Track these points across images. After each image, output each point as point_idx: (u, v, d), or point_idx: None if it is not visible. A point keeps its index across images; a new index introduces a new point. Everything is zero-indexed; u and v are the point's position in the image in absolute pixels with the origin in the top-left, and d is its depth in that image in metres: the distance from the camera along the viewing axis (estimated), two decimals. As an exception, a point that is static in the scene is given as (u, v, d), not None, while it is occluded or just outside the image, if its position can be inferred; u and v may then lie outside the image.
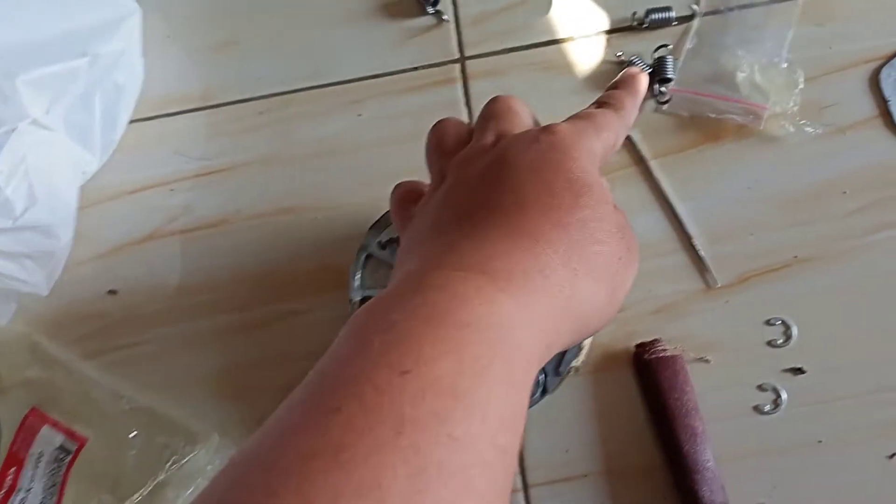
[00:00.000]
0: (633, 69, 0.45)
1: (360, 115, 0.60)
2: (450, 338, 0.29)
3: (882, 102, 0.55)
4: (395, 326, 0.29)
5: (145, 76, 0.61)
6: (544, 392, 0.48)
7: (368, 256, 0.52)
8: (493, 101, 0.42)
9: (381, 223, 0.52)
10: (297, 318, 0.56)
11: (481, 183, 0.37)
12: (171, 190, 0.60)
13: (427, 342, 0.29)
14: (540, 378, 0.48)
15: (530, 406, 0.48)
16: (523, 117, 0.41)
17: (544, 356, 0.34)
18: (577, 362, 0.49)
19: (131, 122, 0.59)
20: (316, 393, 0.29)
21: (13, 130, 0.49)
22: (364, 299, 0.51)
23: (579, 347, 0.49)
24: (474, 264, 0.33)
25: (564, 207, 0.35)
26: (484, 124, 0.41)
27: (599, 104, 0.42)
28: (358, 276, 0.52)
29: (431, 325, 0.29)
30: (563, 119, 0.40)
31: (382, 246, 0.52)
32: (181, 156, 0.60)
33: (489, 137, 0.40)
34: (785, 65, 0.55)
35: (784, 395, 0.51)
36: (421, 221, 0.39)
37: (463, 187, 0.38)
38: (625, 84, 0.44)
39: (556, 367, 0.48)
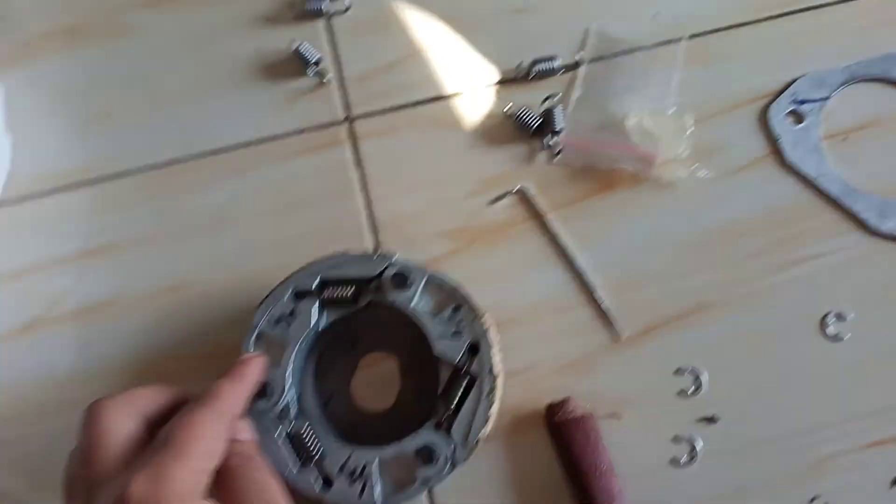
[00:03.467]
0: (244, 358, 0.45)
1: (245, 183, 0.57)
2: None
3: (772, 141, 0.55)
4: None
5: (13, 154, 0.57)
6: (453, 466, 0.46)
7: (259, 335, 0.49)
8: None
9: (271, 298, 0.49)
10: (190, 405, 0.52)
11: None
12: (51, 274, 0.56)
13: None
14: (446, 453, 0.46)
15: (438, 481, 0.46)
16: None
17: None
18: (484, 433, 0.46)
19: (1, 201, 0.55)
20: None
21: None
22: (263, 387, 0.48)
23: (486, 417, 0.47)
24: None
25: None
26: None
27: (193, 404, 0.41)
28: (250, 357, 0.48)
29: None
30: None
31: (275, 322, 0.49)
32: (57, 237, 0.57)
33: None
34: (673, 109, 0.55)
35: (699, 445, 0.50)
36: None
37: None
38: (231, 374, 0.44)
39: (465, 438, 0.46)
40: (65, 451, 0.50)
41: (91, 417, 0.39)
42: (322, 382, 0.51)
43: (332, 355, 0.52)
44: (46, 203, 0.57)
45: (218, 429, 0.39)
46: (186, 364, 0.53)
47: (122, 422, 0.39)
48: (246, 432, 0.44)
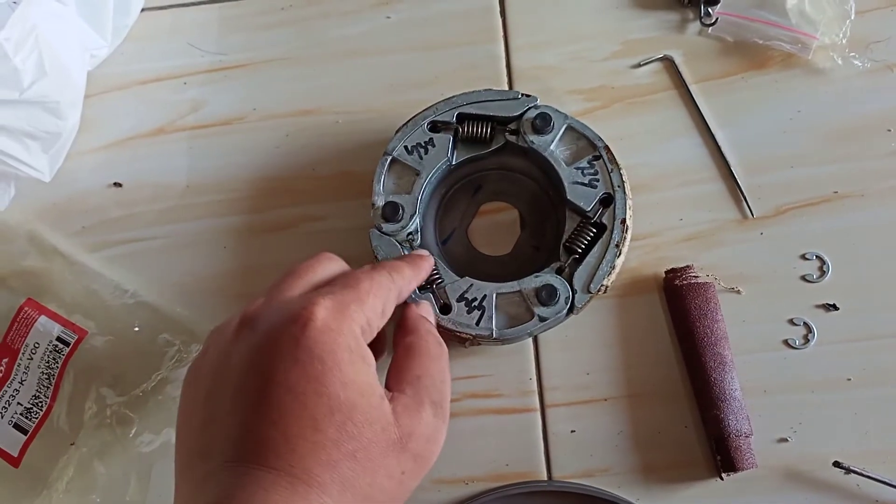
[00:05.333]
0: (421, 252, 0.46)
1: (388, 17, 0.57)
2: None
3: (934, 41, 0.53)
4: None
5: (163, -40, 0.57)
6: (571, 310, 0.46)
7: (393, 161, 0.49)
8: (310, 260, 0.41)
9: (410, 125, 0.49)
10: (313, 225, 0.53)
11: (241, 397, 0.35)
12: (184, 83, 0.57)
13: None
14: (566, 296, 0.46)
15: (554, 324, 0.46)
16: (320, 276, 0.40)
17: None
18: (608, 280, 0.47)
19: (144, 9, 0.56)
20: None
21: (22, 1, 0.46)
22: (387, 204, 0.48)
23: (611, 266, 0.47)
24: None
25: (330, 443, 0.33)
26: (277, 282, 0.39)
27: (374, 267, 0.41)
28: (381, 180, 0.49)
29: None
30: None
31: (409, 151, 0.49)
32: (195, 48, 0.57)
33: (259, 305, 0.38)
34: (836, -6, 0.53)
35: (815, 331, 0.49)
36: (194, 417, 0.36)
37: (224, 394, 0.35)
38: (410, 259, 0.45)
39: (587, 285, 0.46)
40: (178, 255, 0.53)
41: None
42: (443, 220, 0.52)
43: (455, 196, 0.52)
44: (188, 13, 0.58)
45: (391, 295, 0.40)
46: (314, 184, 0.54)
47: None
48: (429, 313, 0.45)
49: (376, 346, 0.41)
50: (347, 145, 0.54)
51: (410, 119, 0.50)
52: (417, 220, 0.49)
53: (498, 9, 0.56)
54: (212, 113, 0.56)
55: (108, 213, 0.55)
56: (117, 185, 0.55)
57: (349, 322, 0.36)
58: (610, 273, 0.47)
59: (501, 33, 0.56)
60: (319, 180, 0.54)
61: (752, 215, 0.51)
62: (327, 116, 0.55)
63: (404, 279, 0.42)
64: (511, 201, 0.53)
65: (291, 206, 0.54)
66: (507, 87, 0.55)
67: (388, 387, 0.38)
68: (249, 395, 0.34)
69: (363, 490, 0.34)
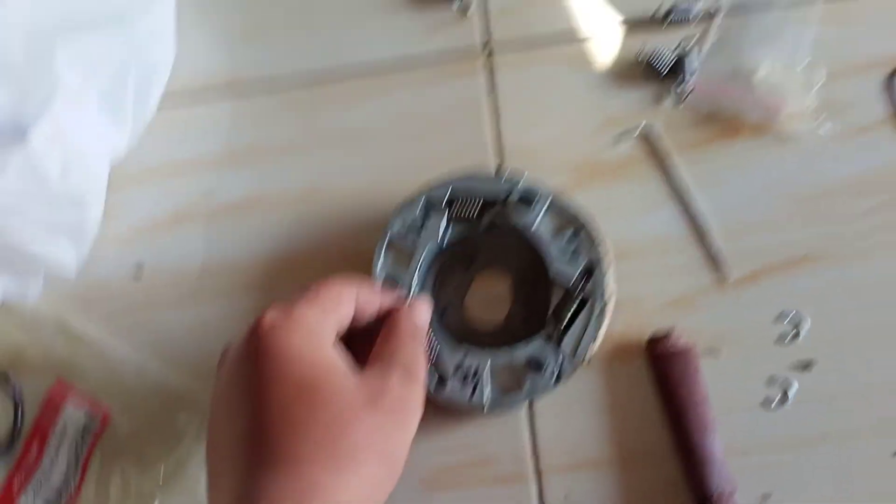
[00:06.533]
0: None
1: (384, 104, 0.61)
2: None
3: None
4: None
5: (176, 57, 0.62)
6: (559, 379, 0.50)
7: (391, 241, 0.53)
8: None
9: (405, 206, 0.53)
10: (319, 301, 0.57)
11: (237, 408, 0.41)
12: (200, 172, 0.61)
13: None
14: (554, 364, 0.49)
15: (543, 393, 0.49)
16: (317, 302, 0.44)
17: None
18: (592, 349, 0.50)
19: (160, 103, 0.60)
20: None
21: (51, 98, 0.50)
22: (386, 281, 0.52)
23: (595, 335, 0.50)
24: None
25: (301, 420, 0.39)
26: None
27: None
28: (380, 260, 0.53)
29: None
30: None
31: (405, 230, 0.53)
32: (208, 138, 0.62)
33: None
34: (803, 65, 0.56)
35: (793, 390, 0.52)
36: (221, 428, 0.42)
37: (221, 413, 0.43)
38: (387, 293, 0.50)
39: (573, 353, 0.50)
40: (200, 336, 0.57)
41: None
42: (439, 294, 0.55)
43: (450, 270, 0.56)
44: (200, 109, 0.63)
45: (347, 291, 0.46)
46: (320, 263, 0.57)
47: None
48: (421, 314, 0.49)
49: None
50: (350, 225, 0.58)
51: (406, 200, 0.54)
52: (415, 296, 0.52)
53: (487, 92, 0.60)
54: (224, 199, 0.60)
55: (131, 297, 0.59)
56: (139, 271, 0.59)
57: (297, 318, 0.42)
58: (594, 342, 0.50)
59: (491, 115, 0.60)
60: (325, 259, 0.58)
61: (730, 279, 0.54)
62: (329, 198, 0.59)
63: (363, 284, 0.47)
64: (505, 270, 0.56)
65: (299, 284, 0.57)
66: (498, 166, 0.58)
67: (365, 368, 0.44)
68: (231, 406, 0.41)
69: (347, 451, 0.39)
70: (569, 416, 0.53)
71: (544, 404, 0.53)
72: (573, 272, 0.51)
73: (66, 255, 0.56)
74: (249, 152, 0.61)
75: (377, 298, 0.48)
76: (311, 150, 0.60)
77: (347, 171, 0.59)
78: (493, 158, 0.59)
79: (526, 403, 0.52)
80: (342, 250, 0.57)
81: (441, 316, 0.54)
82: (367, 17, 0.63)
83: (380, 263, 0.53)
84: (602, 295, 0.50)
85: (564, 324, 0.51)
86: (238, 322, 0.56)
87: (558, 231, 0.52)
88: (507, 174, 0.54)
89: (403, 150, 0.60)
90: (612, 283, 0.51)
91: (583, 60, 0.60)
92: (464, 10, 0.61)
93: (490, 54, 0.61)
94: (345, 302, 0.45)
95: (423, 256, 0.53)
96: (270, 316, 0.42)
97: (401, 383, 0.43)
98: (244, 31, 0.64)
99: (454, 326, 0.54)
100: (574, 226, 0.52)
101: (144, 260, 0.60)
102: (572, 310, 0.51)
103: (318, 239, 0.58)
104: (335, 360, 0.42)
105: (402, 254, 0.53)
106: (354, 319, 0.46)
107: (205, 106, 0.62)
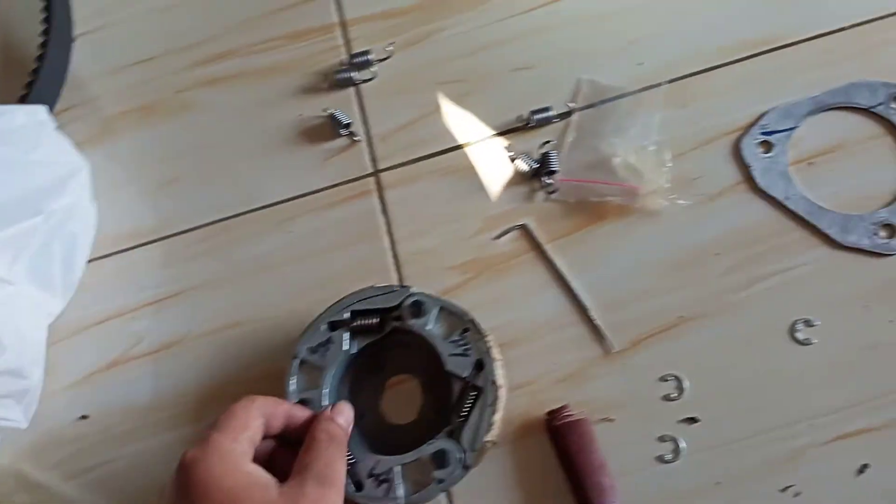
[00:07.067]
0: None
1: (290, 232, 0.67)
2: None
3: (744, 169, 0.62)
4: None
5: (99, 218, 0.68)
6: (465, 468, 0.54)
7: (302, 361, 0.58)
8: None
9: (309, 331, 0.58)
10: (249, 423, 0.62)
11: None
12: (131, 318, 0.67)
13: None
14: (457, 457, 0.54)
15: (453, 484, 0.54)
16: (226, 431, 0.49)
17: None
18: (490, 436, 0.54)
19: (89, 261, 0.66)
20: None
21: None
22: (301, 401, 0.57)
23: (490, 424, 0.55)
24: None
25: None
26: None
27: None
28: (293, 380, 0.58)
29: None
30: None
31: (313, 350, 0.58)
32: (137, 287, 0.67)
33: None
34: (654, 146, 0.62)
35: (683, 444, 0.56)
36: None
37: None
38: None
39: (472, 443, 0.54)
40: (146, 471, 0.61)
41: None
42: (355, 401, 0.60)
43: (363, 377, 0.61)
44: (125, 258, 0.69)
45: (252, 411, 0.51)
46: (244, 387, 0.61)
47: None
48: (342, 418, 0.54)
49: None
50: (270, 349, 0.64)
51: (311, 323, 0.59)
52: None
53: (380, 209, 0.66)
54: (156, 340, 0.66)
55: (81, 442, 0.64)
56: (84, 417, 0.64)
57: (212, 447, 0.47)
58: (490, 429, 0.54)
59: (385, 229, 0.66)
60: (248, 383, 0.63)
61: (614, 349, 0.59)
62: (248, 327, 0.64)
63: (263, 402, 0.52)
64: (412, 371, 0.61)
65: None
66: (395, 274, 0.64)
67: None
68: None
69: None
70: (485, 498, 0.57)
71: (461, 489, 0.57)
72: (466, 366, 0.56)
73: (15, 415, 0.61)
74: (175, 293, 0.67)
75: (282, 410, 0.53)
76: (229, 283, 0.66)
77: (263, 299, 0.65)
78: (392, 269, 0.64)
79: (443, 496, 0.57)
80: (265, 374, 0.63)
81: (360, 420, 0.59)
82: (268, 157, 0.70)
83: (292, 383, 0.58)
84: (493, 383, 0.55)
85: (462, 416, 0.55)
86: (178, 454, 0.61)
87: (449, 331, 0.57)
88: (399, 286, 0.59)
89: (312, 271, 0.65)
90: (500, 373, 0.56)
91: (461, 169, 0.66)
92: (351, 138, 0.68)
93: (378, 175, 0.67)
94: (252, 421, 0.50)
95: (334, 370, 0.58)
96: (191, 451, 0.47)
97: (316, 489, 0.48)
98: (160, 185, 0.70)
99: (372, 430, 0.59)
100: (462, 325, 0.57)
101: (90, 404, 0.64)
102: (468, 402, 0.55)
103: (241, 365, 0.63)
104: (254, 476, 0.47)
105: (315, 370, 0.58)
106: (271, 430, 0.52)
107: (130, 255, 0.68)
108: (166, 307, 0.66)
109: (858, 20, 0.65)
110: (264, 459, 0.50)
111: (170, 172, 0.71)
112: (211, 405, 0.63)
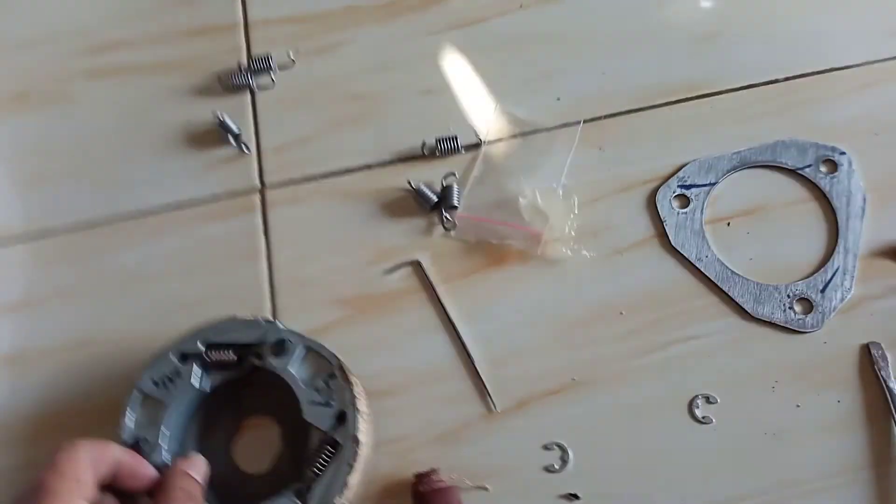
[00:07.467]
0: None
1: (161, 243, 0.60)
2: None
3: (658, 223, 0.57)
4: None
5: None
6: (313, 531, 0.48)
7: (144, 394, 0.51)
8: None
9: (154, 361, 0.52)
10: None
11: None
12: (-27, 325, 0.59)
13: None
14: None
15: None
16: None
17: None
18: (342, 499, 0.48)
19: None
20: None
21: None
22: (136, 441, 0.50)
23: (343, 484, 0.48)
24: None
25: None
26: None
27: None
28: (131, 416, 0.51)
29: None
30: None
31: (156, 383, 0.52)
32: (-16, 290, 0.60)
33: None
34: (562, 189, 0.57)
35: (562, 521, 0.51)
36: None
37: None
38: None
39: (321, 504, 0.48)
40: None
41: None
42: (204, 443, 0.53)
43: (216, 417, 0.54)
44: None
45: (79, 466, 0.43)
46: (86, 417, 0.55)
47: None
48: (197, 471, 0.48)
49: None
50: (119, 372, 0.56)
51: (154, 355, 0.52)
52: (163, 453, 0.50)
53: (262, 229, 0.60)
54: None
55: None
56: None
57: (40, 489, 0.41)
58: (343, 490, 0.48)
59: (265, 252, 0.59)
60: (92, 412, 0.56)
61: (496, 409, 0.53)
62: (101, 346, 0.57)
63: (98, 444, 0.45)
64: (273, 414, 0.55)
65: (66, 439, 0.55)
66: (269, 303, 0.57)
67: None
68: None
69: None
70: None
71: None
72: (327, 417, 0.50)
73: None
74: (23, 303, 0.59)
75: (109, 456, 0.46)
76: (88, 296, 0.59)
77: (119, 318, 0.58)
78: (267, 296, 0.58)
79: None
80: (107, 404, 0.55)
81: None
82: (148, 160, 0.63)
83: (129, 419, 0.51)
84: (353, 440, 0.49)
85: (316, 472, 0.49)
86: (6, 479, 0.54)
87: (314, 375, 0.51)
88: (263, 319, 0.53)
89: (177, 292, 0.59)
90: (364, 428, 0.49)
91: (355, 194, 0.60)
92: (240, 148, 0.61)
93: (264, 191, 0.61)
94: (82, 475, 0.43)
95: (181, 408, 0.51)
96: (20, 492, 0.41)
97: None
98: (30, 179, 0.63)
99: (219, 476, 0.52)
100: (328, 370, 0.51)
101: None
102: (325, 458, 0.49)
103: (86, 390, 0.56)
104: None
105: (156, 408, 0.51)
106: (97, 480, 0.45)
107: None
108: (8, 317, 0.59)
109: (790, 74, 0.61)
110: None
111: (42, 167, 0.64)
112: (48, 433, 0.56)
